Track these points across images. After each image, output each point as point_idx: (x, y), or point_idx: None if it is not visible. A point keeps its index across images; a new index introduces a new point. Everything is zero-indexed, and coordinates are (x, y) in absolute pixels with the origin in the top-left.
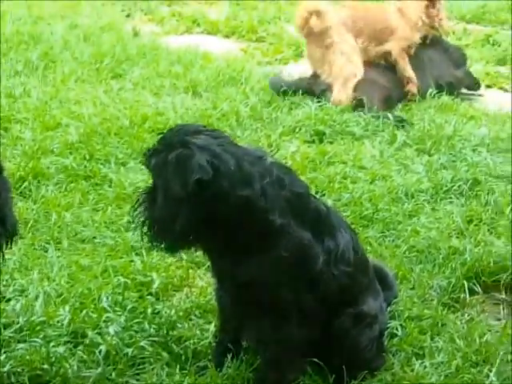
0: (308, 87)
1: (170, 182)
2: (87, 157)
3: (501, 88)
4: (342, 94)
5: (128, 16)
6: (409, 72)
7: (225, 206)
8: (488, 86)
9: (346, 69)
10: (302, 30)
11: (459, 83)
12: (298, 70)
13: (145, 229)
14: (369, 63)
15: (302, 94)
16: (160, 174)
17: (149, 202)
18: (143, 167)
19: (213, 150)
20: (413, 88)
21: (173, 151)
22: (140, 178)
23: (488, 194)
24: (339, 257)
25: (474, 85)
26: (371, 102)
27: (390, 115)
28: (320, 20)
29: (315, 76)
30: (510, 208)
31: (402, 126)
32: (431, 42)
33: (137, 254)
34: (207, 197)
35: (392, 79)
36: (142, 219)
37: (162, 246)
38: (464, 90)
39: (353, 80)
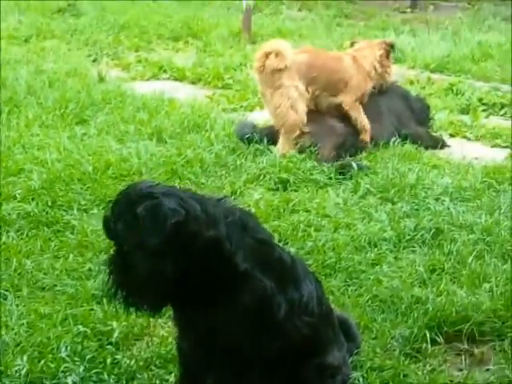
0: (270, 134)
1: (145, 236)
2: (50, 203)
3: (464, 137)
4: (285, 146)
5: (94, 61)
6: (362, 122)
7: (196, 250)
8: (451, 135)
9: (289, 117)
10: (258, 68)
11: (422, 141)
12: (264, 117)
13: (121, 296)
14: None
15: (268, 142)
16: (130, 234)
17: (120, 268)
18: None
19: (178, 195)
20: (366, 137)
21: (138, 206)
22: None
23: (450, 243)
24: (302, 307)
25: (436, 146)
26: (323, 149)
27: (353, 163)
28: (276, 60)
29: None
30: (472, 258)
31: (366, 175)
32: (391, 91)
33: (97, 303)
34: (182, 243)
35: (349, 127)
36: (115, 287)
37: (145, 307)
38: None
39: (295, 131)
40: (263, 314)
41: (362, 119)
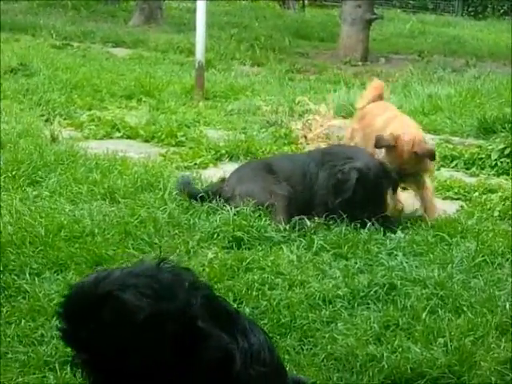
0: (218, 192)
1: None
2: (1, 268)
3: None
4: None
5: (47, 121)
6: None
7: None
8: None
9: None
10: None
11: None
12: (218, 174)
13: None
14: None
15: (219, 198)
16: (100, 342)
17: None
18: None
19: (132, 284)
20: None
21: (99, 309)
22: (55, 288)
23: (404, 298)
24: (255, 357)
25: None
26: (274, 215)
27: (307, 221)
28: None
29: (223, 181)
30: (426, 313)
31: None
32: None
33: (50, 370)
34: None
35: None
36: None
37: None
38: None
39: None
40: (221, 367)
41: None
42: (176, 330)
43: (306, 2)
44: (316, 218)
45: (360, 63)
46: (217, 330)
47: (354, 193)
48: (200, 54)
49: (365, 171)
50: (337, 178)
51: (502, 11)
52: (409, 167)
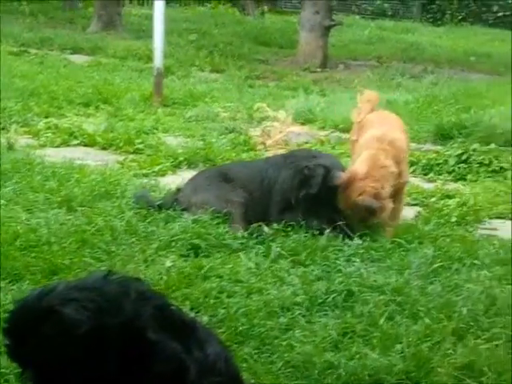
0: (174, 202)
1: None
2: None
3: None
4: None
5: (3, 129)
6: None
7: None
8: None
9: None
10: None
11: None
12: (176, 181)
13: None
14: None
15: (176, 206)
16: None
17: None
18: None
19: (75, 298)
20: None
21: (41, 324)
22: (9, 299)
23: (362, 305)
24: (210, 367)
25: None
26: (232, 222)
27: (265, 228)
28: None
29: (178, 191)
30: (383, 319)
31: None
32: None
33: (6, 381)
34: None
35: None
36: None
37: None
38: None
39: None
40: (175, 378)
41: None
42: (122, 342)
43: (266, 8)
44: (275, 225)
45: (319, 70)
46: (169, 341)
47: (319, 190)
48: (158, 60)
49: (331, 169)
50: (303, 173)
51: (460, 17)
52: (351, 212)
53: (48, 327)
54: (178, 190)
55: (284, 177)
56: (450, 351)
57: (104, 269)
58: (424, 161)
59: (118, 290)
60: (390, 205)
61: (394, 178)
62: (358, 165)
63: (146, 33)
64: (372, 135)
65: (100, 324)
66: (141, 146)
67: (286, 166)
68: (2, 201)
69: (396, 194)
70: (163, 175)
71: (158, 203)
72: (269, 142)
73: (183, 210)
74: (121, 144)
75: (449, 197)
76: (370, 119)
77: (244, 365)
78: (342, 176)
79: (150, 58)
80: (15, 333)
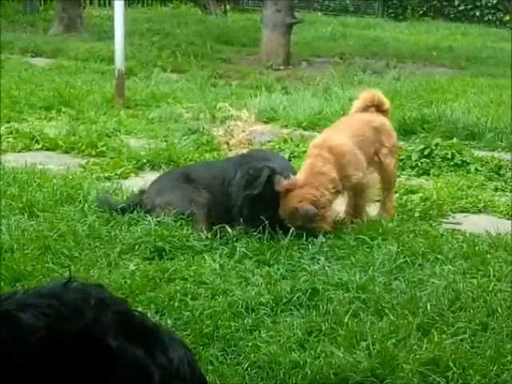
0: (138, 204)
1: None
2: None
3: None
4: None
5: None
6: None
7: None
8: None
9: None
10: None
11: None
12: (139, 183)
13: None
14: None
15: (140, 209)
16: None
17: None
18: None
19: (30, 300)
20: None
21: None
22: None
23: (327, 303)
24: (174, 372)
25: None
26: (195, 223)
27: (228, 229)
28: None
29: (142, 193)
30: (348, 316)
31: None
32: None
33: None
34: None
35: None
36: None
37: None
38: None
39: None
40: None
41: None
42: (81, 350)
43: (228, 7)
44: (239, 226)
45: (282, 67)
46: (131, 347)
47: (263, 190)
48: (119, 62)
49: (277, 172)
50: (248, 173)
51: (421, 12)
52: (289, 219)
53: (3, 332)
54: (142, 191)
55: (237, 177)
56: (415, 347)
57: (66, 275)
58: None
59: (78, 296)
60: (329, 212)
61: (335, 184)
62: (299, 172)
63: (107, 34)
64: (312, 142)
65: (56, 330)
66: (103, 149)
67: (241, 166)
68: None
69: (356, 194)
70: (126, 178)
71: (120, 206)
72: (232, 142)
73: (147, 211)
74: (83, 147)
75: (412, 192)
76: (338, 122)
77: (210, 367)
78: (283, 182)
79: (111, 60)
80: None
